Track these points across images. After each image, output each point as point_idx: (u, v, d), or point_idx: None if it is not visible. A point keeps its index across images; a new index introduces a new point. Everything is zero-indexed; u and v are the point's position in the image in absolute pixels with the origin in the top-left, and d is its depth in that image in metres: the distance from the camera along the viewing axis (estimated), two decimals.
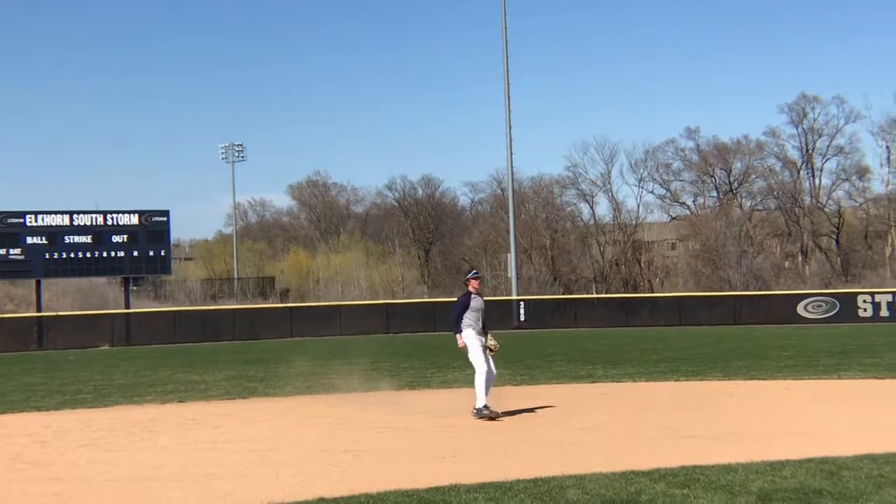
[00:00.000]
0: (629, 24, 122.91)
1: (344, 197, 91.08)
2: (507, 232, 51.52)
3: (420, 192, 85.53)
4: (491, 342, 13.50)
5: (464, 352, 13.51)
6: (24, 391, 19.65)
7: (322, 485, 9.02)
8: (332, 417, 14.26)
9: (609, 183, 73.62)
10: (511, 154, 48.50)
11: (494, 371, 13.58)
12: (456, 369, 21.86)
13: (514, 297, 47.39)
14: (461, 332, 13.41)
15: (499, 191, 76.79)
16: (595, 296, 59.94)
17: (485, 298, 14.11)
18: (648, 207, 75.78)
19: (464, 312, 13.47)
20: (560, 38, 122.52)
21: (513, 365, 22.76)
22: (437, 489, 8.55)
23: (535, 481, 8.76)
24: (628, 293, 61.72)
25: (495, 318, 44.78)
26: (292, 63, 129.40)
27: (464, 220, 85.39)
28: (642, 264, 71.92)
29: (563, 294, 61.73)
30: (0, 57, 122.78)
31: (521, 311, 45.17)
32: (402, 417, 13.99)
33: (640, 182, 74.63)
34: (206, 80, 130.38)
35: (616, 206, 73.68)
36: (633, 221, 73.44)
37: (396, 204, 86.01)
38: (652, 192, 75.97)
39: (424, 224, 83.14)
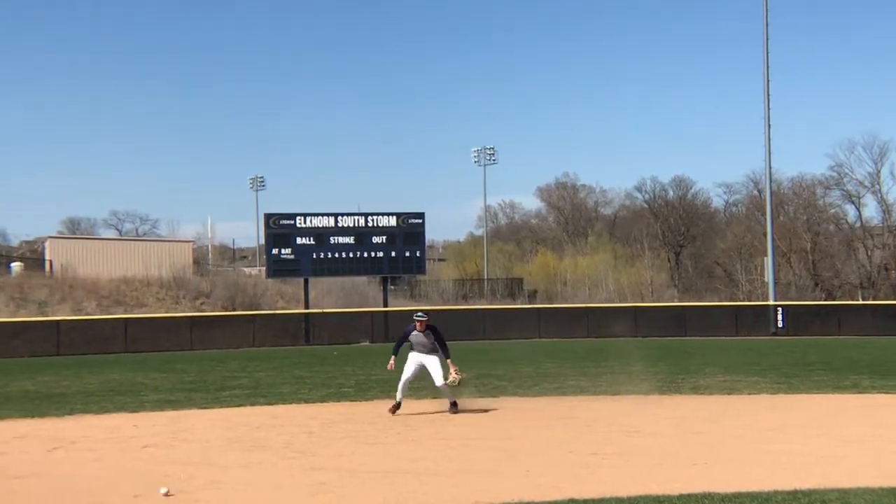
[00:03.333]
0: None
1: (592, 199, 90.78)
2: (764, 234, 49.38)
3: (671, 193, 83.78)
4: (453, 376, 15.11)
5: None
6: (294, 384, 21.07)
7: (571, 485, 9.09)
8: (580, 419, 14.32)
9: (878, 183, 68.98)
10: (769, 153, 46.46)
11: (440, 383, 15.19)
12: (708, 375, 21.30)
13: (772, 302, 45.39)
14: (395, 354, 15.43)
15: (755, 192, 73.79)
16: (861, 302, 56.24)
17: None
18: None
19: (403, 341, 15.40)
20: (824, 33, 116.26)
21: (769, 373, 21.89)
22: (689, 496, 8.40)
23: (794, 493, 8.41)
24: None
25: (750, 323, 43.49)
26: (542, 68, 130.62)
27: (717, 222, 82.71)
28: None
29: (825, 300, 58.41)
30: (271, 68, 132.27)
31: (779, 317, 43.21)
32: (652, 422, 13.81)
33: None
34: (460, 86, 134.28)
35: (886, 208, 68.86)
36: None
37: (646, 205, 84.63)
38: None
39: (675, 226, 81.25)
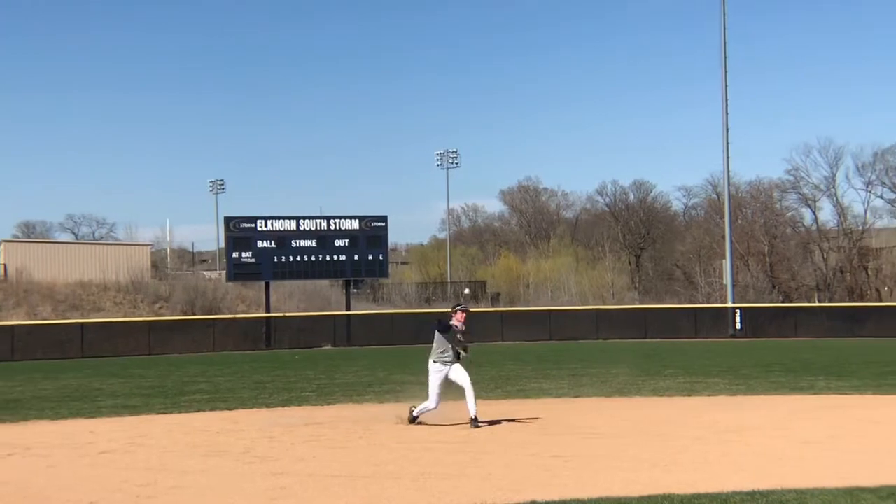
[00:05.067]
0: (855, 21, 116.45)
1: (554, 202, 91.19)
2: (723, 237, 49.95)
3: (631, 196, 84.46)
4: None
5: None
6: (254, 389, 20.91)
7: (533, 488, 9.10)
8: (542, 422, 14.35)
9: (834, 187, 69.89)
10: (728, 157, 46.98)
11: (466, 388, 14.06)
12: (667, 377, 21.46)
13: (730, 304, 45.89)
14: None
15: (714, 195, 74.60)
16: (817, 304, 57.05)
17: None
18: (877, 212, 71.20)
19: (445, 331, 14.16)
20: (780, 35, 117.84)
21: (728, 374, 22.11)
22: (650, 498, 8.44)
23: (752, 494, 8.49)
24: (854, 302, 58.32)
25: (709, 325, 43.92)
26: (503, 71, 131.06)
27: (676, 225, 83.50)
28: (870, 272, 67.77)
29: (783, 302, 59.15)
30: (239, 76, 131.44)
31: (738, 319, 43.70)
32: (613, 424, 13.89)
33: (868, 186, 70.29)
34: (423, 90, 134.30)
35: (841, 211, 69.84)
36: (860, 227, 69.32)
37: (607, 209, 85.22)
38: (881, 197, 71.33)
39: (635, 229, 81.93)
